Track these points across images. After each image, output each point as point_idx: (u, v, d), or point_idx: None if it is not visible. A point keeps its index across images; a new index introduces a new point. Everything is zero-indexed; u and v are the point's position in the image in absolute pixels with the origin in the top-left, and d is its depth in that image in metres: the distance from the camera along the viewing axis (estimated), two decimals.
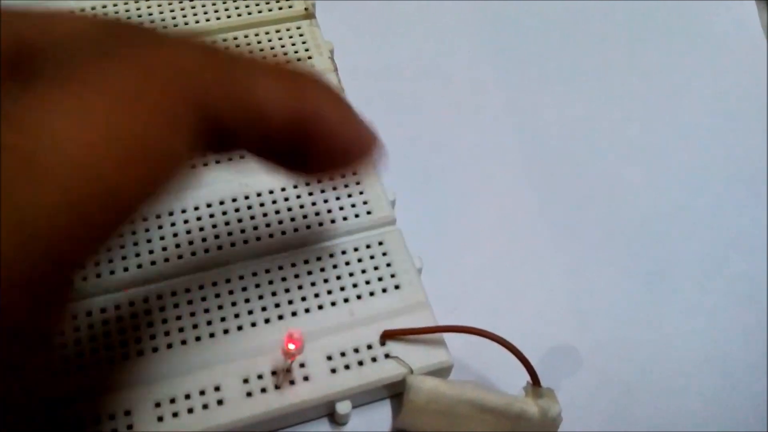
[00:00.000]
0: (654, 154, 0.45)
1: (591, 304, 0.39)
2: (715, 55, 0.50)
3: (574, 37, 0.50)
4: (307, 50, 0.44)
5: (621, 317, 0.39)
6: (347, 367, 0.34)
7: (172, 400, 0.33)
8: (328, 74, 0.43)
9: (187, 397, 0.33)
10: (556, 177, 0.44)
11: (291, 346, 0.32)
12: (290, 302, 0.36)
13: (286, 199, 0.39)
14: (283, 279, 0.36)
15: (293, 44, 0.44)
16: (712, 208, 0.43)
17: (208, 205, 0.38)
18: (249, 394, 0.33)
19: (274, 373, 0.34)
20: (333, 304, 0.36)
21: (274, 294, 0.36)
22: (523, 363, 0.33)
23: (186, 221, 0.37)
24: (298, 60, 0.43)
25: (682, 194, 0.44)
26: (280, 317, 0.35)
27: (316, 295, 0.36)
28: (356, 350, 0.34)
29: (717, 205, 0.43)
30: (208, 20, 0.44)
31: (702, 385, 0.37)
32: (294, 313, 0.35)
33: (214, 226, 0.37)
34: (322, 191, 0.39)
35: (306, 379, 0.34)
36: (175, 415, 0.32)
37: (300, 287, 0.36)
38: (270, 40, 0.44)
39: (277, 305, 0.35)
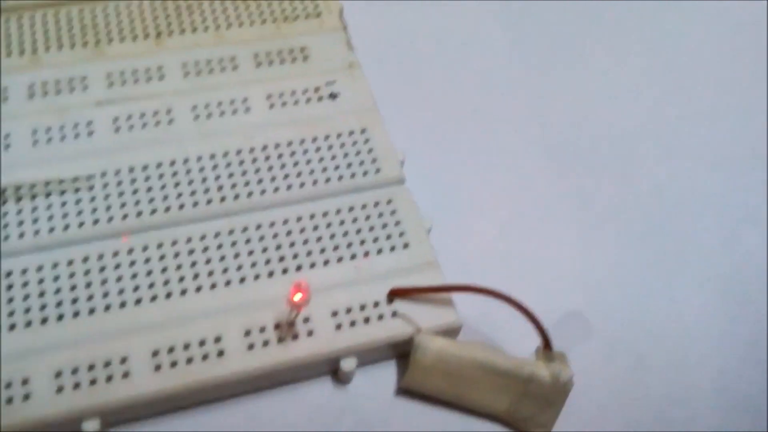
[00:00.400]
0: (668, 127, 0.44)
1: (603, 272, 0.38)
2: (735, 30, 0.49)
3: (591, 5, 0.49)
4: (316, 7, 0.43)
5: (633, 287, 0.38)
6: (353, 323, 0.33)
7: (171, 349, 0.31)
8: (337, 32, 0.42)
9: (186, 347, 0.31)
10: (570, 142, 0.43)
11: (298, 297, 0.30)
12: (295, 256, 0.34)
13: (293, 154, 0.37)
14: (288, 233, 0.35)
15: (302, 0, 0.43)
16: (725, 181, 0.42)
17: (212, 156, 0.37)
18: (250, 347, 0.32)
19: (277, 326, 0.32)
20: (339, 260, 0.34)
21: (278, 248, 0.34)
22: (534, 325, 0.32)
23: (188, 171, 0.36)
24: (306, 17, 0.42)
25: (697, 167, 0.43)
26: (284, 271, 0.34)
27: (322, 251, 0.35)
28: (362, 307, 0.33)
29: (731, 179, 0.42)
30: None
31: (714, 357, 0.36)
32: (299, 268, 0.34)
33: (218, 178, 0.36)
34: (330, 147, 0.38)
35: (310, 334, 0.32)
36: (173, 364, 0.31)
37: (305, 242, 0.35)
38: None
39: (281, 259, 0.34)
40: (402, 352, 0.34)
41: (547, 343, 0.33)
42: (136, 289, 0.33)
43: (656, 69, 0.47)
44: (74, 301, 0.32)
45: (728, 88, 0.47)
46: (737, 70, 0.47)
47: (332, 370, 0.33)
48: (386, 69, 0.44)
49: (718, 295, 0.38)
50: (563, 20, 0.48)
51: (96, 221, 0.34)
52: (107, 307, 0.32)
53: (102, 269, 0.33)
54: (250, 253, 0.34)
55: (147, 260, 0.33)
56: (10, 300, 0.32)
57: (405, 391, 0.33)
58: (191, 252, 0.34)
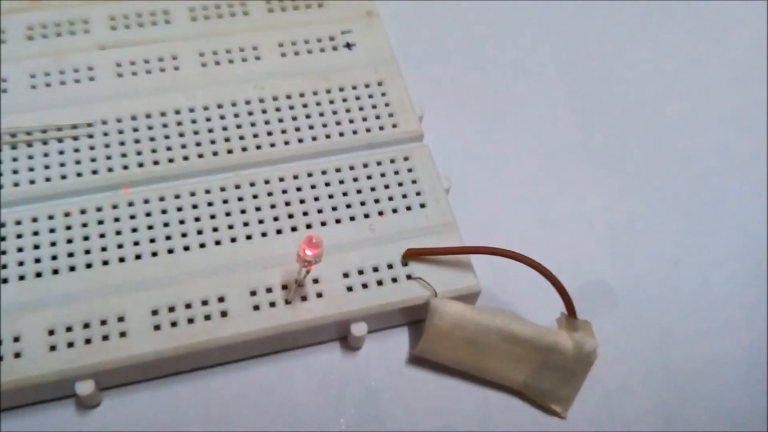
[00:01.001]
0: (698, 90, 0.42)
1: (630, 239, 0.36)
2: None
3: None
4: None
5: (661, 256, 0.36)
6: (365, 286, 0.31)
7: (171, 309, 0.29)
8: None
9: (188, 306, 0.30)
10: (597, 105, 0.40)
11: (308, 252, 0.28)
12: (305, 214, 0.32)
13: (305, 106, 0.35)
14: (298, 189, 0.33)
15: None
16: (758, 147, 0.40)
17: (219, 106, 0.35)
18: (256, 308, 0.30)
19: (284, 287, 0.30)
20: (352, 218, 0.32)
21: (287, 204, 0.32)
22: (558, 290, 0.30)
23: (194, 121, 0.34)
24: None
25: (727, 132, 0.40)
26: (294, 229, 0.32)
27: (334, 209, 0.33)
28: (375, 269, 0.31)
29: (763, 145, 0.40)
30: None
31: (742, 332, 0.34)
32: (309, 226, 0.32)
33: (225, 129, 0.34)
34: (344, 100, 0.35)
35: (319, 295, 0.30)
36: (173, 324, 0.29)
37: (316, 199, 0.33)
38: None
39: (290, 216, 0.32)
40: (416, 318, 0.32)
41: (571, 310, 0.31)
42: (136, 243, 0.31)
43: (689, 31, 0.44)
44: (70, 254, 0.30)
45: (760, 52, 0.44)
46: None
47: (342, 335, 0.32)
48: (406, 19, 0.42)
49: (747, 267, 0.36)
50: None
51: (95, 171, 0.32)
52: (105, 262, 0.30)
53: (100, 222, 0.31)
54: (258, 209, 0.32)
55: (148, 214, 0.31)
56: (4, 252, 0.30)
57: (417, 359, 0.32)
58: (195, 206, 0.32)
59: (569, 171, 0.38)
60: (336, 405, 0.31)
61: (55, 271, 0.30)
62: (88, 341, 0.28)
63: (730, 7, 0.45)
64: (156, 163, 0.33)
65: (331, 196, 0.33)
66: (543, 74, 0.41)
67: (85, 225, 0.31)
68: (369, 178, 0.34)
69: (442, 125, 0.38)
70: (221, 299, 0.30)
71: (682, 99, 0.41)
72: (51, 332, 0.28)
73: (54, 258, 0.30)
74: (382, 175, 0.34)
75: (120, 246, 0.31)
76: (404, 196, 0.33)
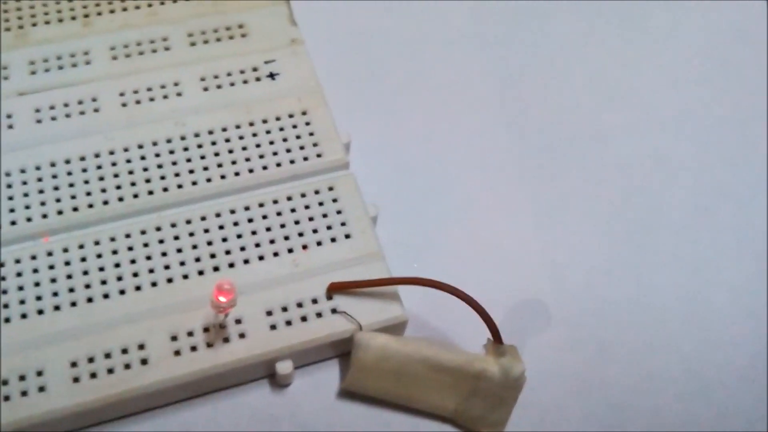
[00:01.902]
0: (636, 98, 0.41)
1: (564, 255, 0.36)
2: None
3: None
4: None
5: (596, 270, 0.36)
6: (289, 323, 0.31)
7: (91, 359, 0.29)
8: (279, 6, 0.39)
9: (108, 355, 0.29)
10: (530, 117, 0.40)
11: (222, 299, 0.28)
12: (227, 252, 0.32)
13: (227, 140, 0.35)
14: (221, 227, 0.33)
15: None
16: (698, 154, 0.40)
17: (140, 146, 0.34)
18: (177, 353, 0.30)
19: (206, 329, 0.30)
20: (275, 254, 0.32)
21: (209, 243, 0.32)
22: (482, 318, 0.30)
23: (114, 163, 0.34)
24: None
25: (666, 140, 0.40)
26: (216, 269, 0.32)
27: (257, 245, 0.32)
28: (300, 305, 0.31)
29: (704, 152, 0.40)
30: None
31: (683, 345, 0.34)
32: (231, 265, 0.32)
33: (145, 170, 0.34)
34: (268, 132, 0.35)
35: (242, 336, 0.30)
36: (93, 375, 0.29)
37: (239, 236, 0.32)
38: None
39: (212, 256, 0.32)
40: (345, 350, 0.32)
41: (496, 336, 0.30)
42: (54, 294, 0.30)
43: (621, 39, 0.44)
44: None
45: (705, 51, 0.44)
46: (714, 35, 0.44)
47: (270, 372, 0.31)
48: (332, 44, 0.41)
49: (686, 278, 0.36)
50: None
51: (13, 222, 0.32)
52: (23, 316, 0.30)
53: (19, 274, 0.31)
54: (179, 250, 0.32)
55: (67, 263, 0.31)
56: None
57: (347, 392, 0.31)
58: (114, 252, 0.32)
59: (502, 188, 0.38)
60: None
61: None
62: (7, 398, 0.28)
63: (668, 8, 0.45)
64: (75, 209, 0.32)
65: (254, 233, 0.33)
66: (474, 92, 0.41)
67: (2, 279, 0.31)
68: (293, 211, 0.33)
69: (371, 150, 0.37)
70: (141, 346, 0.30)
71: (618, 107, 0.41)
72: None
73: None
74: (306, 207, 0.33)
75: (38, 298, 0.30)
76: (329, 228, 0.33)
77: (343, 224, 0.33)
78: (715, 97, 0.41)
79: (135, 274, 0.31)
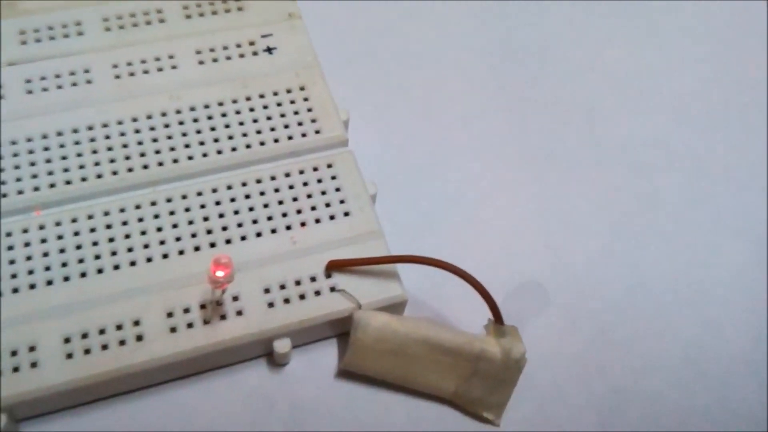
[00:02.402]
0: (636, 81, 0.41)
1: (564, 237, 0.36)
2: None
3: None
4: None
5: (596, 253, 0.35)
6: (287, 300, 0.30)
7: (84, 335, 0.28)
8: None
9: (102, 332, 0.29)
10: (530, 98, 0.40)
11: (219, 273, 0.27)
12: (224, 228, 0.31)
13: (224, 115, 0.34)
14: (217, 203, 0.32)
15: None
16: (698, 138, 0.39)
17: (134, 119, 0.33)
18: (173, 330, 0.29)
19: (203, 306, 0.30)
20: (273, 231, 0.32)
21: (206, 219, 0.32)
22: (484, 297, 0.30)
23: (107, 137, 0.33)
24: None
25: (667, 124, 0.40)
26: (212, 245, 0.31)
27: (254, 222, 0.32)
28: (298, 282, 0.31)
29: (704, 136, 0.39)
30: None
31: (682, 328, 0.34)
32: (228, 241, 0.31)
33: (140, 143, 0.33)
34: (265, 107, 0.35)
35: (239, 313, 0.30)
36: (87, 351, 0.28)
37: (236, 212, 0.32)
38: None
39: (209, 231, 0.31)
40: (343, 330, 0.31)
41: (497, 317, 0.30)
42: (47, 268, 0.30)
43: (621, 24, 0.44)
44: None
45: (707, 35, 0.43)
46: (716, 19, 0.44)
47: (267, 351, 0.31)
48: (330, 19, 0.41)
49: (686, 262, 0.35)
50: None
51: (4, 195, 0.31)
52: (15, 290, 0.29)
53: (10, 248, 0.30)
54: (175, 226, 0.31)
55: (60, 236, 0.30)
56: None
57: (346, 372, 0.31)
58: (109, 226, 0.31)
59: (502, 169, 0.37)
60: (262, 423, 0.30)
61: None
62: None
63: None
64: (68, 182, 0.32)
65: (251, 209, 0.32)
66: (473, 70, 0.40)
67: None
68: (291, 187, 0.33)
69: (370, 127, 0.37)
70: (136, 323, 0.29)
71: (618, 90, 0.41)
72: None
73: None
74: (305, 184, 0.33)
75: (30, 272, 0.30)
76: (328, 205, 0.32)
77: (342, 202, 0.33)
78: (716, 81, 0.41)
79: (130, 249, 0.30)
